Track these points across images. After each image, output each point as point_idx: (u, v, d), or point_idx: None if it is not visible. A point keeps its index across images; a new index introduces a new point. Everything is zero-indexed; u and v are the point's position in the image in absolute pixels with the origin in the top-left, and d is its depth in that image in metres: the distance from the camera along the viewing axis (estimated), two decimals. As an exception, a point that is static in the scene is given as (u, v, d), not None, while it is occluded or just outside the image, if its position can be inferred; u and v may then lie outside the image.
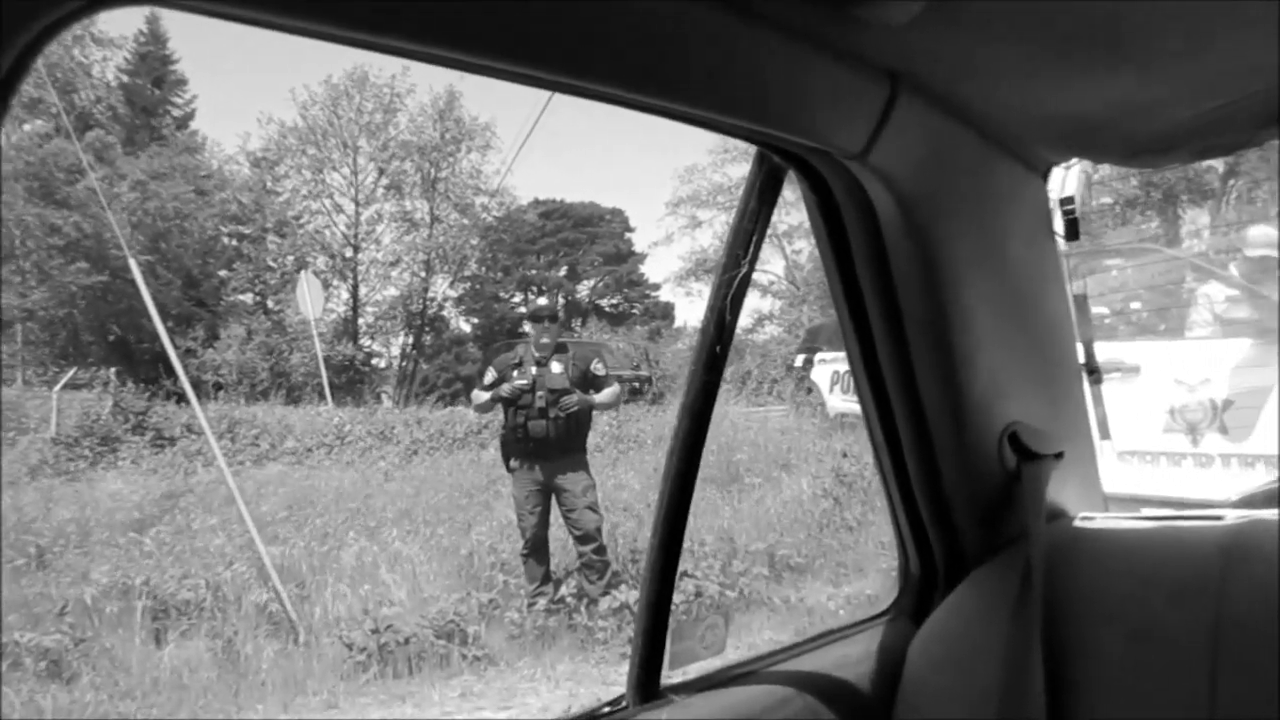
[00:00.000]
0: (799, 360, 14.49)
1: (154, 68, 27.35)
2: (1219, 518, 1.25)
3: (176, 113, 27.86)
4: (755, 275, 1.29)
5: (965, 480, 1.37)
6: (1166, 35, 1.02)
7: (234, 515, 6.77)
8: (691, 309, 34.48)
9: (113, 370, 14.01)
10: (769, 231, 1.29)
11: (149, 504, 8.49)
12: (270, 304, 25.42)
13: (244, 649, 5.34)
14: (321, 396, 15.95)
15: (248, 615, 5.67)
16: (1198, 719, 1.07)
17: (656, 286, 36.87)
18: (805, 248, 25.64)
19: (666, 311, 35.67)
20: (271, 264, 26.43)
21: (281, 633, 5.59)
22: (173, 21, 27.44)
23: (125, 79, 26.49)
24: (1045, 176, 1.44)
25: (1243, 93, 1.17)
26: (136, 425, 11.95)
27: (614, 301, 37.93)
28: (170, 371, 8.12)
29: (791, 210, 20.26)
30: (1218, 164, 18.22)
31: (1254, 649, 1.06)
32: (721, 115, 0.97)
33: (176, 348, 7.75)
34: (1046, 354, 1.46)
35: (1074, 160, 1.44)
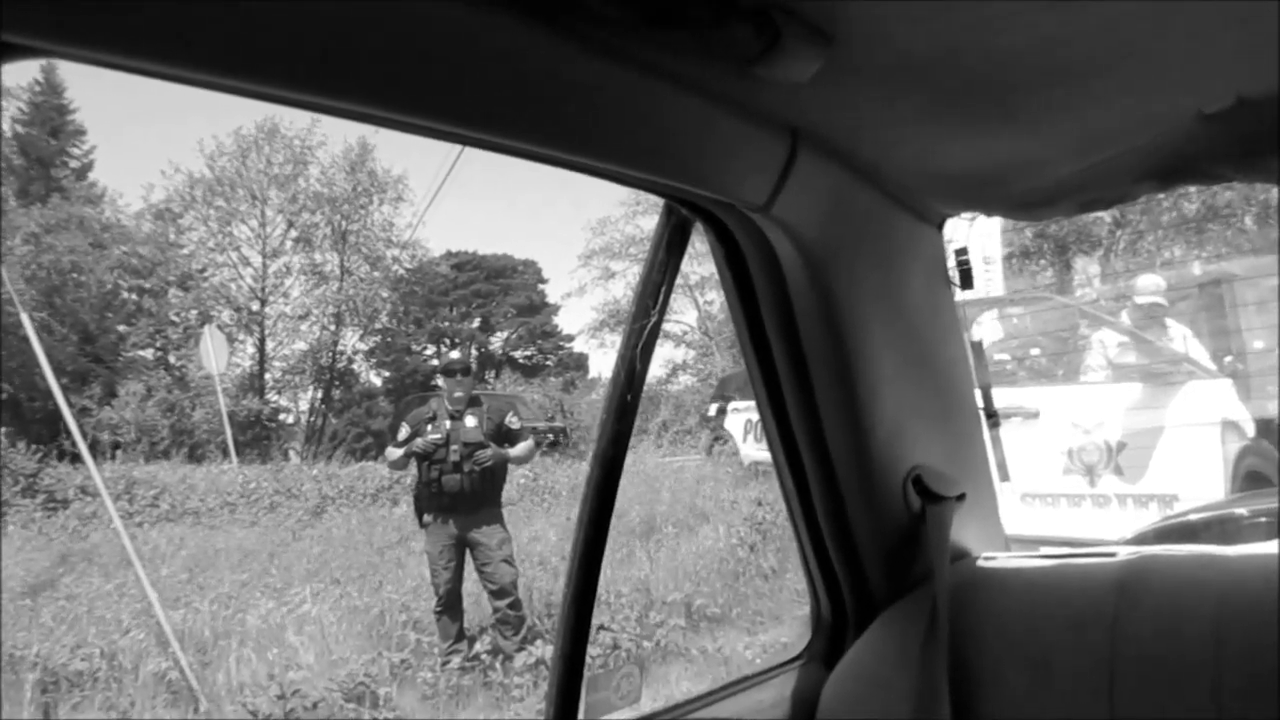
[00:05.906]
0: (713, 409, 14.57)
1: (50, 118, 26.52)
2: (1113, 554, 1.30)
3: (74, 163, 27.00)
4: (669, 326, 1.31)
5: (872, 524, 1.39)
6: (1050, 93, 1.07)
7: (132, 579, 6.49)
8: (606, 360, 34.42)
9: (1, 430, 13.34)
10: (682, 283, 1.31)
11: (41, 570, 8.08)
12: (172, 359, 24.56)
13: (141, 720, 5.10)
14: (225, 454, 15.43)
15: (145, 684, 5.39)
16: None
17: (570, 338, 36.80)
18: (717, 299, 25.98)
19: (581, 363, 35.57)
20: (174, 318, 25.57)
21: (181, 701, 5.33)
22: (70, 71, 26.75)
23: (20, 129, 25.63)
24: (940, 228, 1.49)
25: (1122, 149, 1.24)
26: (26, 488, 11.39)
27: (528, 353, 37.67)
28: (65, 431, 7.79)
29: (704, 262, 20.52)
30: (1105, 216, 19.05)
31: (1148, 677, 1.11)
32: (630, 169, 0.99)
33: (71, 406, 7.43)
34: (946, 399, 1.50)
35: (966, 213, 1.50)
